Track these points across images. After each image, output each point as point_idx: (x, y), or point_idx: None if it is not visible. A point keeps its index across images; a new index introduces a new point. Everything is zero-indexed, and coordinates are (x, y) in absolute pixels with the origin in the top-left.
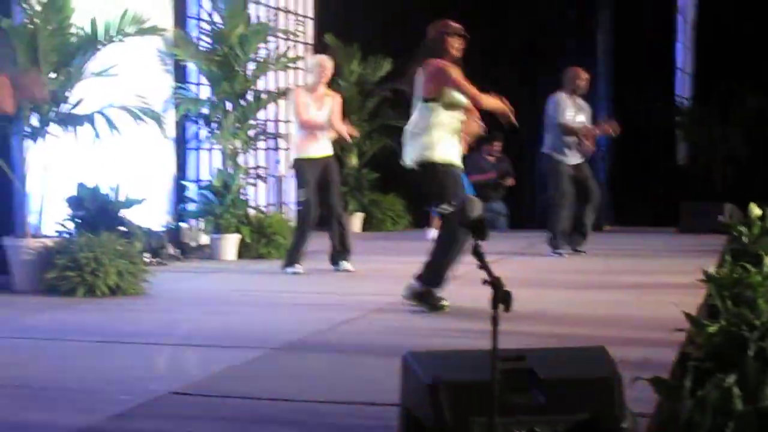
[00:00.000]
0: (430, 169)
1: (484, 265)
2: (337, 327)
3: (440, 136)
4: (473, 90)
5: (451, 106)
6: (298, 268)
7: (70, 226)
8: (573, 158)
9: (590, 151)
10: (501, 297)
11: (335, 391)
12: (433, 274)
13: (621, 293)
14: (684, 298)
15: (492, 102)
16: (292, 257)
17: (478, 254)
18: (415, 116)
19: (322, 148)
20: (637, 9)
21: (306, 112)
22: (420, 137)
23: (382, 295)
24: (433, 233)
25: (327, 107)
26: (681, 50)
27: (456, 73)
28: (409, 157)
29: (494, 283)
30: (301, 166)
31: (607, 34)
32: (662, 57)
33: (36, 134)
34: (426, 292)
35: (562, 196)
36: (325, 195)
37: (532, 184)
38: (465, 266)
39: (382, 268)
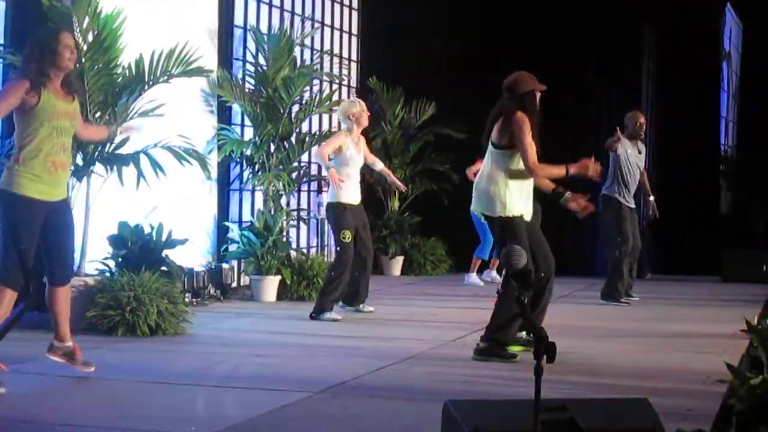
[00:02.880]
0: (493, 220)
1: (527, 316)
2: (375, 372)
3: (507, 185)
4: (534, 162)
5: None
6: (336, 314)
7: (112, 264)
8: (631, 202)
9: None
10: (545, 348)
11: None
12: (497, 330)
13: (663, 342)
14: (727, 349)
15: (550, 171)
16: (328, 303)
17: (521, 305)
18: (486, 164)
19: (357, 194)
20: (682, 57)
21: (328, 146)
22: (487, 186)
23: (421, 340)
24: (472, 278)
25: (362, 149)
26: (725, 98)
27: (530, 139)
28: (475, 204)
29: (538, 333)
30: (341, 208)
31: (651, 81)
32: (707, 105)
33: (80, 173)
34: (491, 346)
35: (626, 241)
36: (362, 240)
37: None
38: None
39: (420, 313)
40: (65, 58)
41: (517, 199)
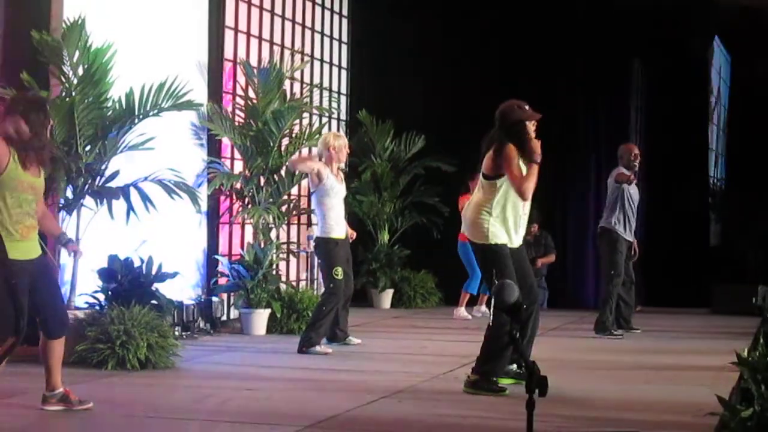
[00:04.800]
0: (479, 249)
1: (519, 350)
2: (366, 406)
3: (492, 214)
4: (521, 183)
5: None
6: (325, 348)
7: (102, 298)
8: (629, 236)
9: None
10: (536, 382)
11: None
12: (487, 363)
13: (654, 375)
14: (717, 381)
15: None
16: (318, 337)
17: (512, 338)
18: (476, 193)
19: (344, 227)
20: (670, 91)
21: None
22: (474, 214)
23: (411, 374)
24: (461, 312)
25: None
26: (714, 131)
27: (517, 168)
28: (464, 229)
29: (530, 368)
30: (332, 244)
31: (640, 114)
32: (696, 138)
33: (70, 206)
34: (481, 379)
35: (619, 275)
36: (347, 275)
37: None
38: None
39: (410, 346)
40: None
41: (502, 228)
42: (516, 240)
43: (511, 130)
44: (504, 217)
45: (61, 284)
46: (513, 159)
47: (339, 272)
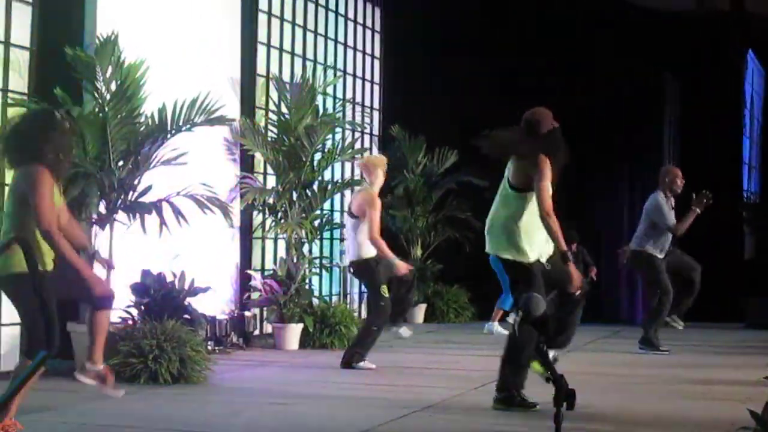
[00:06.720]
0: (507, 263)
1: (547, 363)
2: (398, 420)
3: (522, 228)
4: (549, 208)
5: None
6: (370, 363)
7: (135, 312)
8: (663, 254)
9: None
10: (564, 395)
11: None
12: (512, 377)
13: (687, 390)
14: (751, 396)
15: (557, 230)
16: (366, 351)
17: (540, 352)
18: (502, 204)
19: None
20: (704, 103)
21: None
22: (503, 228)
23: (444, 388)
24: (495, 327)
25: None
26: (747, 144)
27: (548, 183)
28: (491, 246)
29: (557, 381)
30: (374, 263)
31: (673, 127)
32: (729, 151)
33: (103, 221)
34: (510, 395)
35: (666, 292)
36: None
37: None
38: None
39: (443, 361)
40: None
41: (533, 243)
42: (549, 250)
43: (546, 139)
44: (535, 230)
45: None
46: (547, 172)
47: (386, 290)
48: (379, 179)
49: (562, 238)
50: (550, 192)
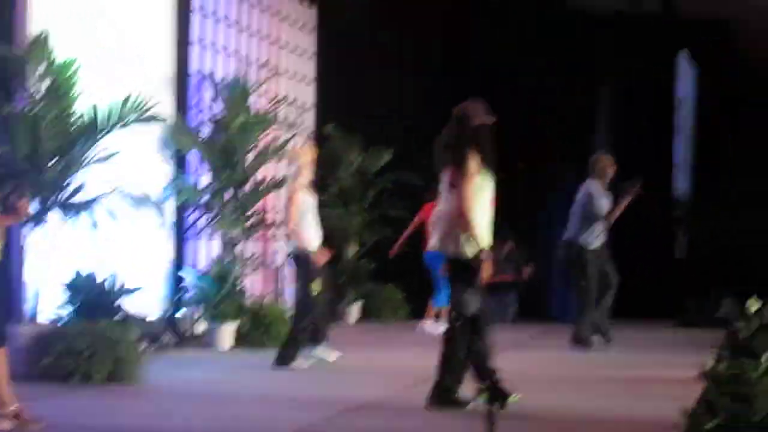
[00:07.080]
0: (448, 260)
1: (480, 364)
2: (330, 420)
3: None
4: (468, 214)
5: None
6: (303, 362)
7: (67, 312)
8: (596, 244)
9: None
10: (497, 394)
11: None
12: (447, 375)
13: (619, 387)
14: (682, 393)
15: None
16: (296, 352)
17: (474, 354)
18: (446, 203)
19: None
20: (635, 103)
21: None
22: (445, 224)
23: (377, 387)
24: (428, 325)
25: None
26: (680, 144)
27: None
28: (433, 242)
29: (491, 379)
30: (310, 257)
31: (605, 127)
32: (660, 151)
33: (36, 220)
34: (445, 394)
35: (588, 290)
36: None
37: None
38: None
39: (376, 359)
40: None
41: (473, 238)
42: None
43: (476, 133)
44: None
45: (26, 299)
46: (474, 174)
47: (317, 285)
48: (302, 172)
49: (477, 235)
50: (473, 191)
